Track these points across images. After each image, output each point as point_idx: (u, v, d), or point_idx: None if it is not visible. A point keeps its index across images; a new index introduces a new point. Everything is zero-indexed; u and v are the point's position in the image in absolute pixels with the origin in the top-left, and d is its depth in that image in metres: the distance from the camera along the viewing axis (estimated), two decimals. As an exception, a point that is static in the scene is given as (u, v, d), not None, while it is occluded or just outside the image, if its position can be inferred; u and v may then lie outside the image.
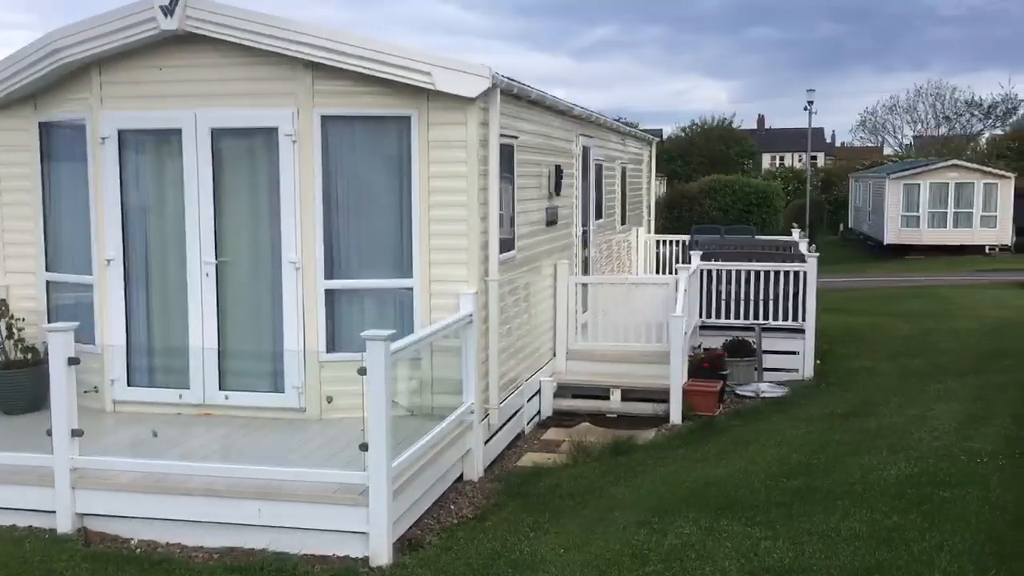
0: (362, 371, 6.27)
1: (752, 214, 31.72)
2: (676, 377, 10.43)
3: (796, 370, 12.95)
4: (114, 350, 8.58)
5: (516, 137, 9.41)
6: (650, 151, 20.38)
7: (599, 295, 12.86)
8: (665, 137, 65.37)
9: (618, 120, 26.19)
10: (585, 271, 13.24)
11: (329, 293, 8.33)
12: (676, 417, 10.41)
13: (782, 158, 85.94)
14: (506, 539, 6.63)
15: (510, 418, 9.52)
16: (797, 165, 75.23)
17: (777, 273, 12.95)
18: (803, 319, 12.89)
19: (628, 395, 11.00)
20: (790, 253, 14.39)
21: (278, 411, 8.38)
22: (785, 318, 13.00)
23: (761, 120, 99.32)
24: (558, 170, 11.05)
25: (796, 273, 12.90)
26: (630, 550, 6.08)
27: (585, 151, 13.05)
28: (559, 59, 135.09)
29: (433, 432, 7.31)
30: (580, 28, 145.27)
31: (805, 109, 34.69)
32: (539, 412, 10.70)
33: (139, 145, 8.55)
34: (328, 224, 8.28)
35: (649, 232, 20.43)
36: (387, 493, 6.32)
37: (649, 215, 20.56)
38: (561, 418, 10.70)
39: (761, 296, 12.99)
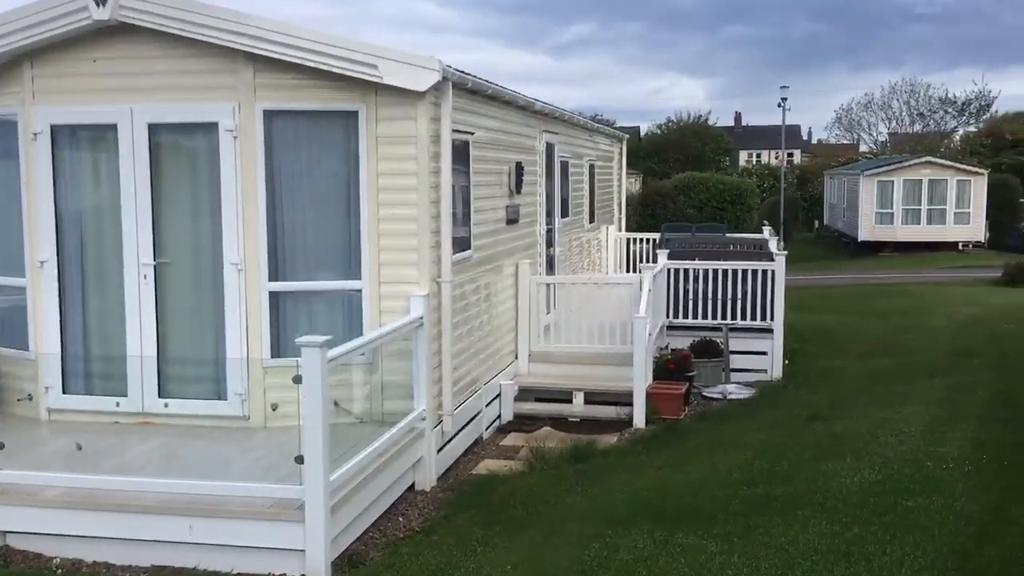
0: (297, 379, 5.95)
1: (726, 211, 31.52)
2: (639, 380, 10.14)
3: (765, 371, 12.70)
4: (48, 356, 8.19)
5: (472, 133, 9.09)
6: (620, 148, 20.11)
7: (565, 295, 12.60)
8: (642, 135, 65.30)
9: (592, 118, 25.90)
10: (550, 270, 12.95)
11: (273, 296, 7.97)
12: (639, 421, 10.12)
13: (759, 155, 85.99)
14: (452, 554, 6.31)
15: (468, 423, 9.20)
16: (774, 162, 75.31)
17: (745, 272, 12.70)
18: (771, 319, 12.65)
19: (591, 398, 10.72)
20: (758, 252, 14.14)
21: (221, 419, 8.01)
22: (753, 318, 12.75)
23: (738, 117, 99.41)
24: (519, 167, 10.74)
25: (764, 272, 12.65)
26: (579, 567, 5.78)
27: (549, 148, 12.75)
28: (537, 57, 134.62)
29: (378, 442, 6.99)
30: (557, 26, 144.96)
31: (779, 106, 34.60)
32: (499, 416, 10.39)
33: (73, 141, 8.17)
34: (272, 224, 7.92)
35: (620, 230, 20.18)
36: (324, 508, 5.99)
37: (620, 213, 20.30)
38: (522, 422, 10.39)
39: (729, 296, 12.73)
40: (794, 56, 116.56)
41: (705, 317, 12.88)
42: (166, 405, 8.09)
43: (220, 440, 7.72)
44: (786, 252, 12.75)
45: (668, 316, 12.95)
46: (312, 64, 7.63)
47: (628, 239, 19.18)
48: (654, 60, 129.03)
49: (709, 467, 7.91)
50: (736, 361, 12.66)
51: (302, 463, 5.98)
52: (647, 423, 10.13)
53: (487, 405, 9.89)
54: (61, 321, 8.24)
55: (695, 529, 6.25)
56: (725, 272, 12.75)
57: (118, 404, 8.15)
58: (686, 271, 12.87)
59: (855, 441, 8.23)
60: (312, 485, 5.96)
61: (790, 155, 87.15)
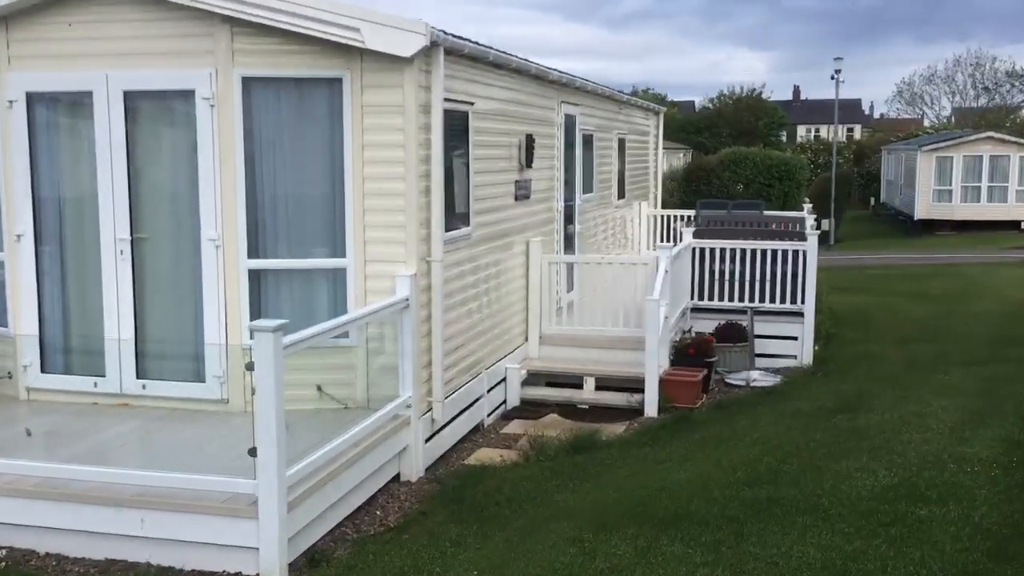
0: (250, 366, 5.52)
1: (774, 188, 30.57)
2: (652, 366, 9.59)
3: (794, 356, 12.06)
4: (26, 334, 7.90)
5: (472, 103, 8.57)
6: (657, 122, 19.39)
7: (585, 275, 12.08)
8: (697, 109, 64.00)
9: (642, 92, 25.00)
10: (569, 248, 12.40)
11: (253, 274, 7.56)
12: (651, 409, 9.58)
13: (817, 130, 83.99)
14: (419, 556, 5.87)
15: (465, 409, 8.75)
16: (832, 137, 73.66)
17: (775, 252, 12.02)
18: (802, 302, 11.97)
19: (603, 384, 10.20)
20: (791, 231, 13.43)
21: (199, 402, 7.66)
22: (783, 300, 12.09)
23: (796, 91, 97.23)
24: (529, 140, 10.19)
25: (795, 252, 11.96)
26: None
27: (569, 120, 12.17)
28: (592, 29, 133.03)
29: (351, 431, 6.56)
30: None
31: (832, 78, 33.35)
32: (504, 401, 9.93)
33: (51, 110, 7.82)
34: (252, 198, 7.50)
35: (656, 207, 19.50)
36: (279, 504, 5.58)
37: (656, 189, 19.62)
38: (528, 408, 9.92)
39: (757, 276, 12.08)
40: (857, 28, 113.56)
41: (732, 299, 12.25)
42: (144, 387, 7.76)
43: (196, 424, 7.36)
44: (819, 231, 12.03)
45: (693, 297, 12.35)
46: (291, 27, 7.17)
47: (664, 216, 18.48)
48: (712, 32, 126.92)
49: (714, 463, 7.35)
50: (765, 346, 12.05)
51: (255, 456, 5.57)
52: (659, 412, 9.58)
53: (490, 390, 9.43)
54: (39, 297, 7.94)
55: (684, 535, 5.72)
56: (753, 252, 12.09)
57: (96, 385, 7.83)
58: (712, 251, 12.23)
59: (876, 437, 7.61)
60: (266, 480, 5.55)
61: (850, 130, 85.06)
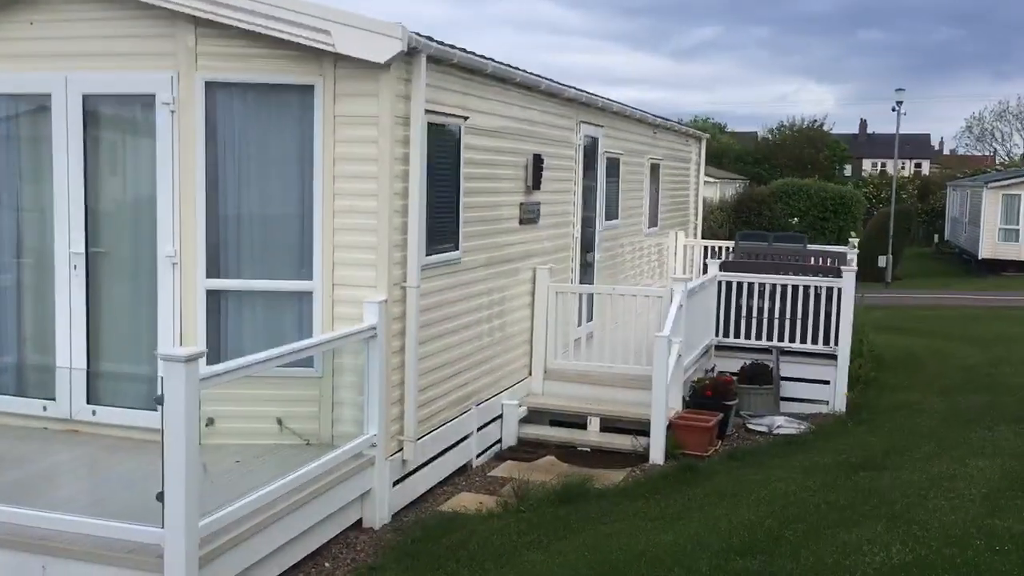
0: (159, 400, 4.90)
1: (828, 222, 29.45)
2: (659, 408, 8.78)
3: (826, 402, 11.15)
4: (-25, 351, 7.42)
5: (465, 117, 7.92)
6: (699, 148, 18.57)
7: (604, 306, 11.30)
8: (760, 139, 62.70)
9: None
10: (587, 277, 11.65)
11: (212, 295, 6.97)
12: (657, 455, 8.77)
13: (883, 164, 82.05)
14: (350, 622, 5.17)
15: (449, 448, 8.04)
16: (900, 171, 71.91)
17: (807, 289, 11.15)
18: (835, 343, 11.06)
19: (609, 425, 9.42)
20: (826, 266, 12.51)
21: (150, 432, 7.02)
22: (815, 341, 11.20)
23: (863, 124, 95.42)
24: (537, 160, 9.50)
25: (829, 290, 11.07)
26: (483, 658, 4.55)
27: (590, 142, 11.46)
28: (659, 60, 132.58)
29: (294, 474, 5.89)
30: (682, 28, 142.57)
31: (893, 110, 32.12)
32: (500, 440, 9.19)
33: (11, 113, 7.36)
34: (212, 212, 6.92)
35: (696, 237, 18.65)
36: (188, 559, 4.92)
37: (696, 218, 18.78)
38: (526, 448, 9.17)
39: (787, 314, 11.20)
40: (930, 62, 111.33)
41: (760, 338, 11.38)
42: (94, 412, 7.20)
43: (141, 456, 6.75)
44: (854, 268, 11.11)
45: (718, 334, 11.51)
46: (257, 28, 6.59)
47: (704, 247, 17.61)
48: (781, 65, 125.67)
49: (710, 524, 6.53)
50: (794, 390, 11.17)
51: (162, 501, 4.93)
52: (666, 458, 8.76)
53: (484, 426, 8.71)
54: (-8, 312, 7.45)
55: (651, 614, 4.94)
56: (783, 288, 11.22)
57: (45, 408, 7.30)
58: (739, 285, 11.39)
59: (897, 502, 6.72)
60: (174, 529, 4.91)
61: (917, 166, 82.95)
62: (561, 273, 10.71)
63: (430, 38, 6.96)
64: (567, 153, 10.73)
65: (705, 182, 35.25)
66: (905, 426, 9.91)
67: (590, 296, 11.10)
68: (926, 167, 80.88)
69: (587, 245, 11.71)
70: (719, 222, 28.44)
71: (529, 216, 9.57)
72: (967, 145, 71.38)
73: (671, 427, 8.99)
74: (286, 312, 7.08)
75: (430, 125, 7.29)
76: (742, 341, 11.43)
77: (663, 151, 15.47)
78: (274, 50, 6.76)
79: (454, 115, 7.72)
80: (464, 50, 7.59)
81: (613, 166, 12.55)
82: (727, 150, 54.06)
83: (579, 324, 10.76)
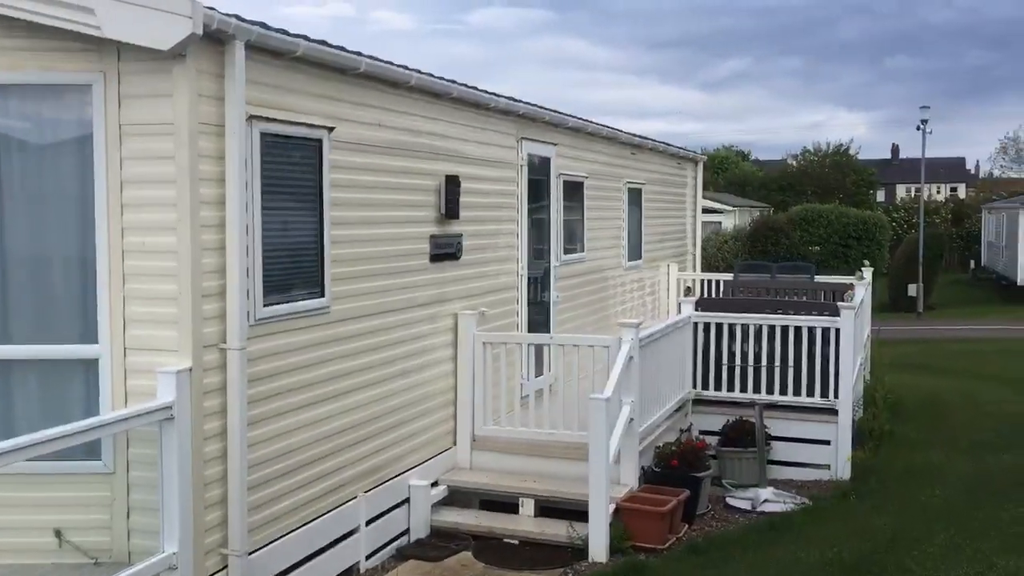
0: None
1: (851, 248, 27.42)
2: (598, 489, 6.92)
3: (827, 466, 9.21)
4: None
5: (330, 128, 6.21)
6: (695, 172, 16.76)
7: (562, 356, 9.45)
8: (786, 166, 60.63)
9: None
10: (540, 322, 9.86)
11: (-33, 366, 5.29)
12: (598, 550, 6.89)
13: (917, 189, 79.60)
14: None
15: (315, 554, 6.24)
16: (935, 196, 69.48)
17: (798, 330, 9.26)
18: (834, 395, 9.16)
19: (548, 507, 7.58)
20: (819, 302, 10.63)
21: None
22: (811, 393, 9.29)
23: (895, 150, 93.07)
24: (451, 183, 7.77)
25: (824, 331, 9.18)
26: None
27: (538, 162, 9.72)
28: (688, 92, 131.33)
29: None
30: (711, 60, 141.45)
31: (918, 129, 30.12)
32: (407, 530, 7.38)
33: None
34: (-36, 257, 5.26)
35: (695, 269, 16.80)
36: None
37: (694, 248, 16.93)
38: (438, 541, 7.33)
39: (776, 360, 9.32)
40: (964, 86, 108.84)
41: (745, 389, 9.50)
42: None
43: None
44: (853, 306, 9.20)
45: (696, 386, 9.64)
46: (16, 14, 4.96)
47: (701, 280, 15.73)
48: (812, 93, 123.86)
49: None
50: (791, 452, 9.29)
51: None
52: (611, 552, 6.90)
53: (374, 519, 6.90)
54: None
55: None
56: (772, 329, 9.35)
57: None
58: (718, 326, 9.53)
59: (894, 635, 4.84)
60: None
61: (952, 189, 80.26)
62: (502, 318, 8.94)
63: (240, 18, 5.25)
64: (505, 175, 9.00)
65: (722, 211, 33.51)
66: (920, 500, 7.97)
67: (538, 346, 9.28)
68: (962, 191, 78.41)
69: (540, 283, 9.93)
70: (733, 252, 26.53)
71: (444, 251, 7.82)
72: (1003, 166, 68.88)
73: (618, 512, 7.14)
74: (69, 387, 5.37)
75: (269, 136, 5.61)
76: (724, 394, 9.56)
77: (647, 174, 13.69)
78: (39, 39, 5.12)
79: (310, 124, 6.02)
80: (314, 40, 5.89)
81: (574, 190, 10.78)
82: (750, 178, 52.13)
83: (529, 377, 8.92)
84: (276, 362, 5.75)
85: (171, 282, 5.11)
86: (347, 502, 6.56)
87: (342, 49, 6.20)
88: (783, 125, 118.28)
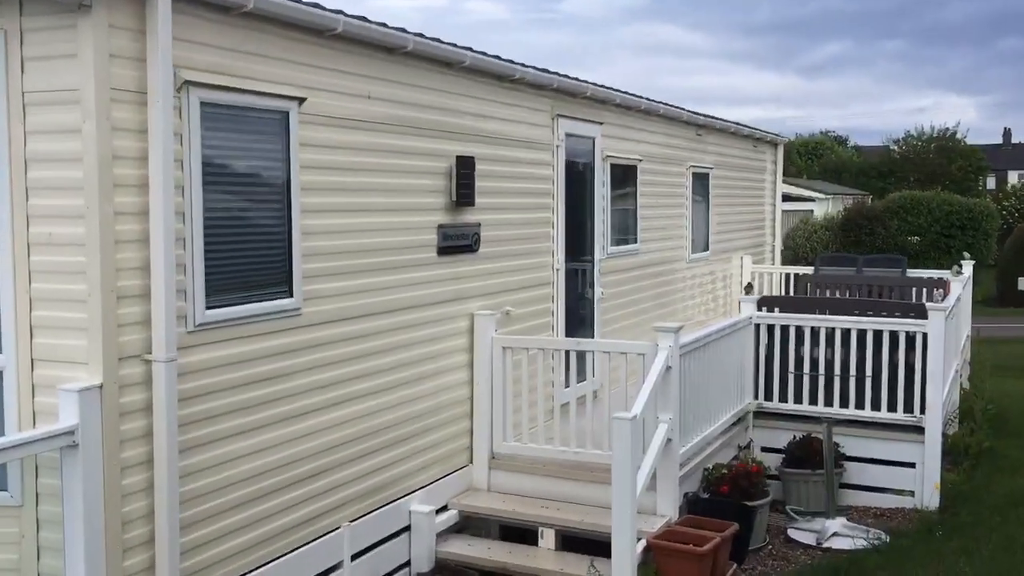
0: None
1: (955, 239, 25.46)
2: (623, 523, 5.81)
3: (911, 492, 7.95)
4: None
5: (300, 99, 5.29)
6: (774, 157, 15.41)
7: (604, 359, 8.37)
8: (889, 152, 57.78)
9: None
10: (582, 323, 8.81)
11: None
12: (624, 597, 5.84)
13: (1033, 176, 75.22)
14: None
15: (284, 596, 5.36)
16: (1054, 183, 65.52)
17: (878, 334, 8.00)
18: (920, 410, 7.87)
19: (574, 539, 6.56)
20: (904, 302, 9.30)
21: None
22: (892, 408, 8.02)
23: (1007, 134, 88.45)
24: (464, 165, 6.78)
25: (910, 336, 7.90)
26: None
27: (578, 143, 8.66)
28: (786, 78, 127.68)
29: None
30: (809, 45, 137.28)
31: (1031, 109, 27.86)
32: (408, 562, 6.45)
33: None
34: None
35: (774, 262, 15.47)
36: None
37: (774, 239, 15.60)
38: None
39: (852, 370, 8.08)
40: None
41: (815, 402, 8.28)
42: None
43: None
44: (944, 307, 7.87)
45: (758, 396, 8.46)
46: None
47: (783, 274, 14.39)
48: (917, 77, 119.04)
49: None
50: (869, 475, 8.06)
51: None
52: (641, 601, 5.84)
53: (362, 553, 5.98)
54: None
55: None
56: (847, 334, 8.11)
57: None
58: (784, 329, 8.32)
59: None
60: None
61: (1057, 170, 75.65)
62: (533, 317, 7.93)
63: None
64: (537, 157, 7.97)
65: (814, 199, 31.67)
66: (1021, 539, 6.67)
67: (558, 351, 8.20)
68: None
69: (583, 278, 8.88)
70: (824, 243, 24.88)
71: (456, 243, 6.84)
72: None
73: (649, 551, 6.07)
74: (-26, 403, 4.57)
75: (212, 107, 4.73)
76: (791, 406, 8.35)
77: (716, 157, 12.47)
78: (-65, -6, 4.32)
79: (272, 94, 5.10)
80: (273, -10, 4.96)
81: (625, 175, 9.69)
82: (847, 164, 49.71)
83: (571, 383, 7.86)
84: (225, 375, 4.87)
85: (80, 280, 4.26)
86: (326, 534, 5.65)
87: (315, 6, 5.27)
88: (886, 111, 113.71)
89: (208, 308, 4.72)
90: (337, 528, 5.73)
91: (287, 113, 5.22)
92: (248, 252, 5.01)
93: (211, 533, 4.82)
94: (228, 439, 4.92)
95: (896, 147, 50.46)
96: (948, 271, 12.67)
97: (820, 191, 32.36)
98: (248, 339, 5.00)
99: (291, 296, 5.29)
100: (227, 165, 4.87)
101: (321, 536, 5.62)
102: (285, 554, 5.35)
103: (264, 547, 5.19)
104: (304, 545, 5.48)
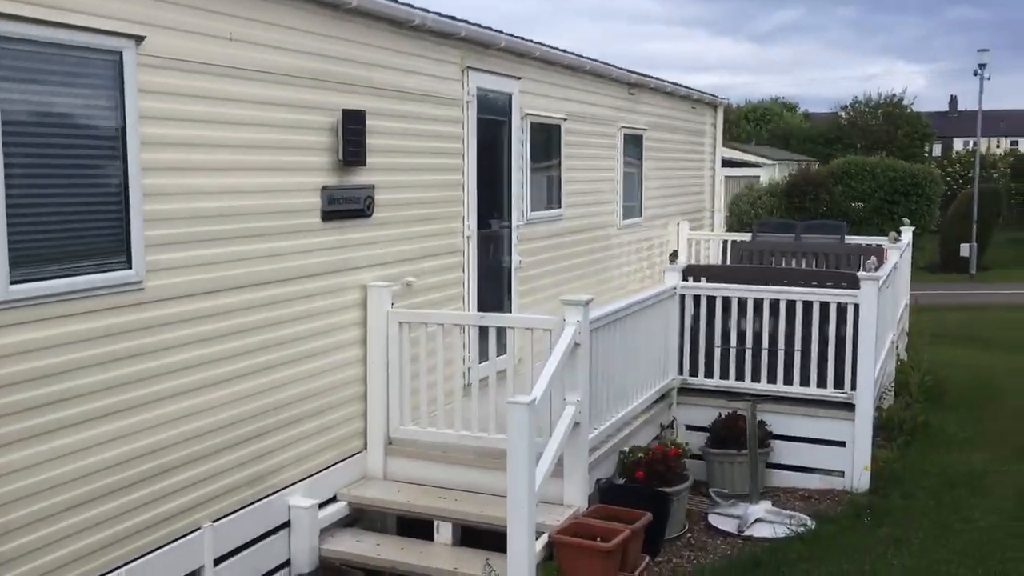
0: None
1: (899, 205, 25.13)
2: (519, 518, 5.23)
3: (841, 472, 7.48)
4: None
5: (139, 37, 4.55)
6: (714, 119, 14.86)
7: (524, 334, 7.76)
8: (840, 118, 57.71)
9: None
10: (498, 294, 8.19)
11: None
12: (520, 598, 5.27)
13: (975, 143, 76.04)
14: None
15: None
16: (995, 150, 66.15)
17: (808, 305, 7.48)
18: (851, 386, 7.38)
19: (474, 531, 5.97)
20: (835, 272, 8.82)
21: None
22: (822, 383, 7.53)
23: (953, 101, 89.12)
24: (351, 120, 6.07)
25: (841, 308, 7.39)
26: None
27: (494, 99, 7.99)
28: (740, 44, 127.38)
29: None
30: (761, 12, 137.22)
31: (975, 74, 27.64)
32: (288, 563, 5.82)
33: None
34: None
35: (713, 228, 15.00)
36: None
37: (713, 205, 15.10)
38: (329, 577, 5.79)
39: (776, 343, 7.56)
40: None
41: (741, 377, 7.77)
42: None
43: None
44: (878, 276, 7.35)
45: (682, 372, 7.92)
46: None
47: (722, 241, 13.86)
48: (867, 46, 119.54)
49: None
50: (797, 453, 7.57)
51: None
52: (540, 601, 5.28)
53: (226, 557, 5.33)
54: None
55: None
56: (774, 304, 7.58)
57: None
58: (710, 300, 7.78)
59: None
60: None
61: (1014, 143, 76.45)
62: (440, 288, 7.29)
63: None
64: (444, 114, 7.29)
65: (761, 164, 31.29)
66: (954, 526, 6.22)
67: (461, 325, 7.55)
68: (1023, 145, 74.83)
69: (497, 245, 8.25)
70: (768, 209, 24.45)
71: (345, 207, 6.15)
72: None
73: (551, 547, 5.50)
74: None
75: (12, 42, 3.98)
76: (717, 382, 7.83)
77: (650, 119, 11.87)
78: None
79: (97, 29, 4.36)
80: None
81: (547, 135, 9.05)
82: (795, 130, 49.53)
83: (483, 360, 7.22)
84: (42, 360, 4.17)
85: None
86: (180, 538, 4.99)
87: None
88: (836, 77, 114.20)
89: (13, 283, 4.00)
90: (197, 529, 5.08)
91: (120, 53, 4.48)
92: (68, 217, 4.29)
93: (14, 549, 4.13)
94: (51, 434, 4.23)
95: (844, 114, 50.34)
96: (886, 238, 12.28)
97: (767, 157, 31.99)
98: (68, 318, 4.29)
99: (129, 267, 4.58)
100: (38, 114, 4.13)
101: (173, 541, 4.94)
102: (129, 562, 4.68)
103: (89, 561, 4.50)
104: (147, 554, 4.80)
